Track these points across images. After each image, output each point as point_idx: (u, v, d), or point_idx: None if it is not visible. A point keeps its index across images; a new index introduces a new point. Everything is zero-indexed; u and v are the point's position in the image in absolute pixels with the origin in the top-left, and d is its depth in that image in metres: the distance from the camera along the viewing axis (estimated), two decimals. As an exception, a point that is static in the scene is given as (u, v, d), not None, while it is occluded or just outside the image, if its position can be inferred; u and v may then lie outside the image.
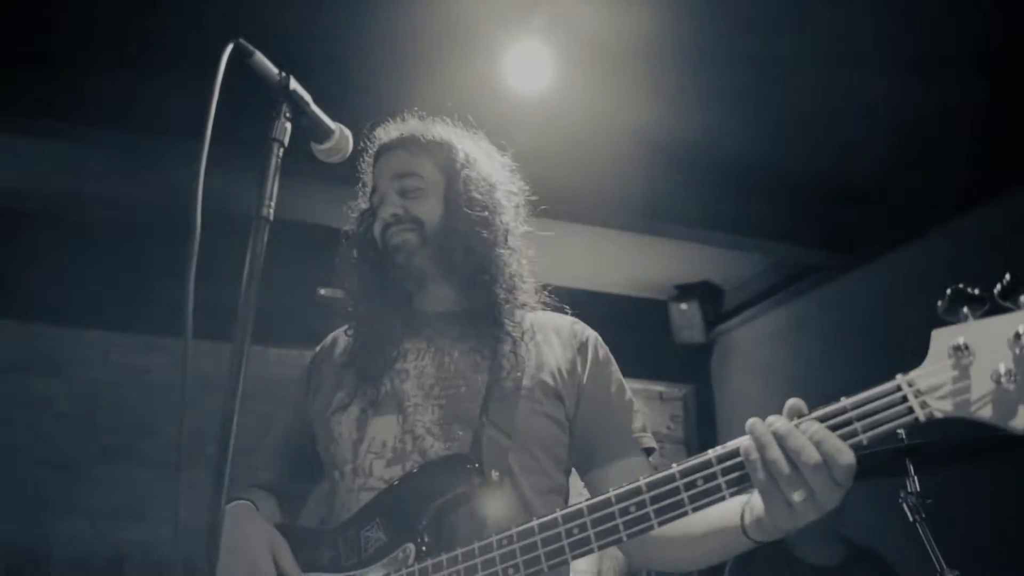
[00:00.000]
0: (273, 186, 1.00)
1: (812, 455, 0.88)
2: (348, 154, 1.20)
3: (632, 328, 5.02)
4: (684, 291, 5.20)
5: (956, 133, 3.45)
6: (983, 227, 3.44)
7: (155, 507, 3.96)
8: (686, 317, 5.19)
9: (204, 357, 4.71)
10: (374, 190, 1.45)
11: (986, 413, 0.82)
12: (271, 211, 0.99)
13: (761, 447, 0.91)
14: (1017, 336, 0.80)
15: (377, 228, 1.41)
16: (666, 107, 3.43)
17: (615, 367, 1.40)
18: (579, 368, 1.36)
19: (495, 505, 1.22)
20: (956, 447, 2.17)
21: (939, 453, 2.15)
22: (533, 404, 1.29)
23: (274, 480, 1.47)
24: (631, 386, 1.39)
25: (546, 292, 1.47)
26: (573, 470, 1.38)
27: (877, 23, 2.88)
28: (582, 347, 1.39)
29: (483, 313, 1.35)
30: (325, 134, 1.16)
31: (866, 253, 4.11)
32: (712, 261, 4.85)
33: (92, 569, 3.80)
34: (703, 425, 5.29)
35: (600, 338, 1.43)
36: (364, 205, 1.50)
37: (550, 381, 1.32)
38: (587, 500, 1.04)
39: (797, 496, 0.90)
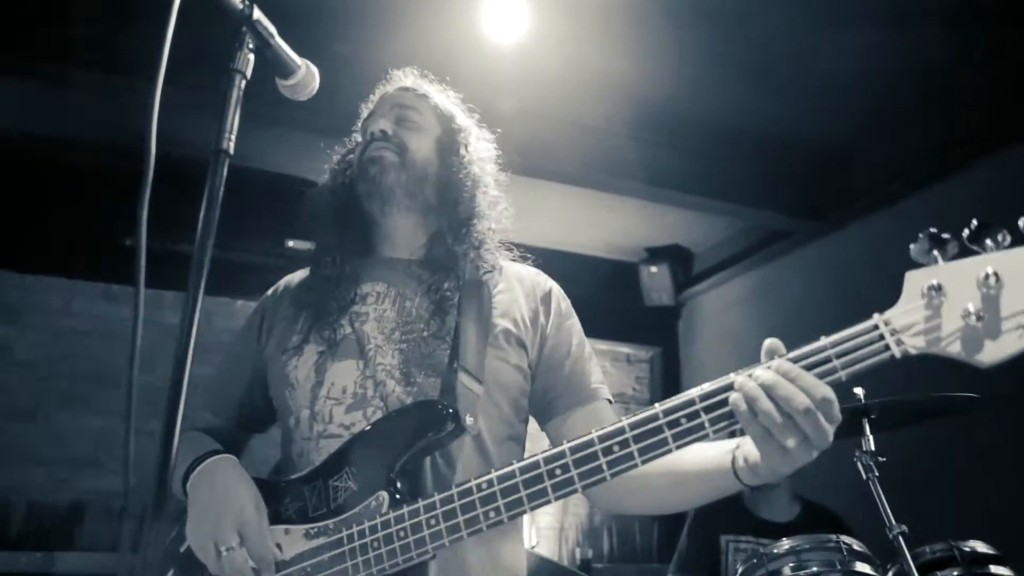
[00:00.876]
0: (234, 119, 0.96)
1: (802, 401, 0.91)
2: (314, 90, 1.16)
3: (602, 289, 5.06)
4: (655, 254, 5.23)
5: (927, 102, 3.48)
6: (951, 196, 3.50)
7: (115, 456, 3.94)
8: (656, 280, 5.23)
9: (169, 308, 4.64)
10: (370, 115, 1.44)
11: (955, 349, 0.87)
12: (231, 144, 0.96)
13: (751, 400, 0.93)
14: (985, 277, 0.85)
15: (361, 143, 1.40)
16: (642, 65, 3.40)
17: (576, 320, 1.42)
18: (542, 318, 1.36)
19: (461, 448, 1.22)
20: (909, 408, 2.24)
21: (894, 414, 2.22)
22: (497, 351, 1.29)
23: (220, 426, 1.43)
24: (599, 347, 1.41)
25: (516, 248, 1.47)
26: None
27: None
28: (545, 297, 1.39)
29: (448, 260, 1.34)
30: (290, 69, 1.12)
31: (835, 220, 4.16)
32: (683, 224, 4.88)
33: (52, 518, 3.78)
34: (668, 387, 5.37)
35: (562, 291, 1.44)
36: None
37: (513, 328, 1.32)
38: (569, 442, 1.04)
39: (792, 442, 0.92)
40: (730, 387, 0.96)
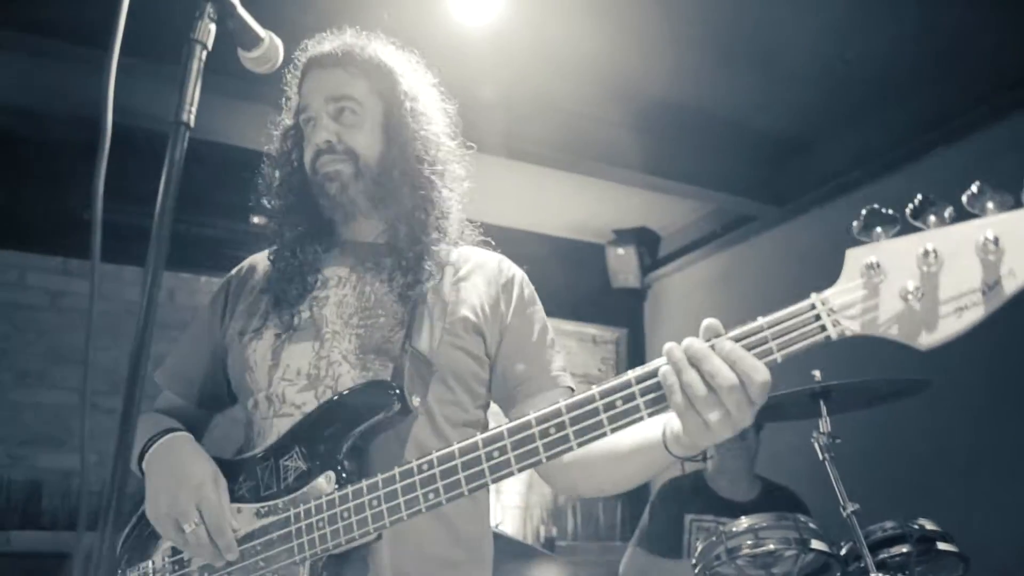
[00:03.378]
0: (195, 90, 0.94)
1: (728, 377, 0.90)
2: (278, 64, 1.14)
3: (570, 270, 5.08)
4: (622, 236, 5.26)
5: (887, 90, 3.54)
6: (911, 184, 3.57)
7: (73, 433, 3.87)
8: (623, 261, 5.26)
9: (130, 283, 4.54)
10: (303, 108, 1.37)
11: (893, 331, 0.83)
12: (192, 116, 0.94)
13: (678, 371, 0.93)
14: (925, 253, 0.81)
15: (308, 154, 1.35)
16: (611, 47, 3.39)
17: (539, 307, 1.41)
18: (502, 306, 1.36)
19: (415, 432, 1.23)
20: (864, 390, 2.31)
21: (849, 396, 2.28)
22: (453, 338, 1.29)
23: (181, 405, 1.44)
24: (565, 327, 1.42)
25: (480, 229, 1.46)
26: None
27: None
28: (507, 284, 1.38)
29: (410, 246, 1.33)
30: (253, 41, 1.09)
31: (797, 205, 4.23)
32: (650, 207, 4.91)
33: (9, 496, 3.70)
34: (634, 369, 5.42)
35: (526, 277, 1.43)
36: (288, 121, 1.43)
37: (471, 316, 1.32)
38: (508, 423, 1.04)
39: (713, 416, 0.91)
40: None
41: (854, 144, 3.86)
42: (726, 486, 3.01)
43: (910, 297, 0.81)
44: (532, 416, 1.02)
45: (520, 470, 1.02)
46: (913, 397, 2.27)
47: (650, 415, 0.96)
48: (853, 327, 0.86)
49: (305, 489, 1.16)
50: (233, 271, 1.50)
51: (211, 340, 1.42)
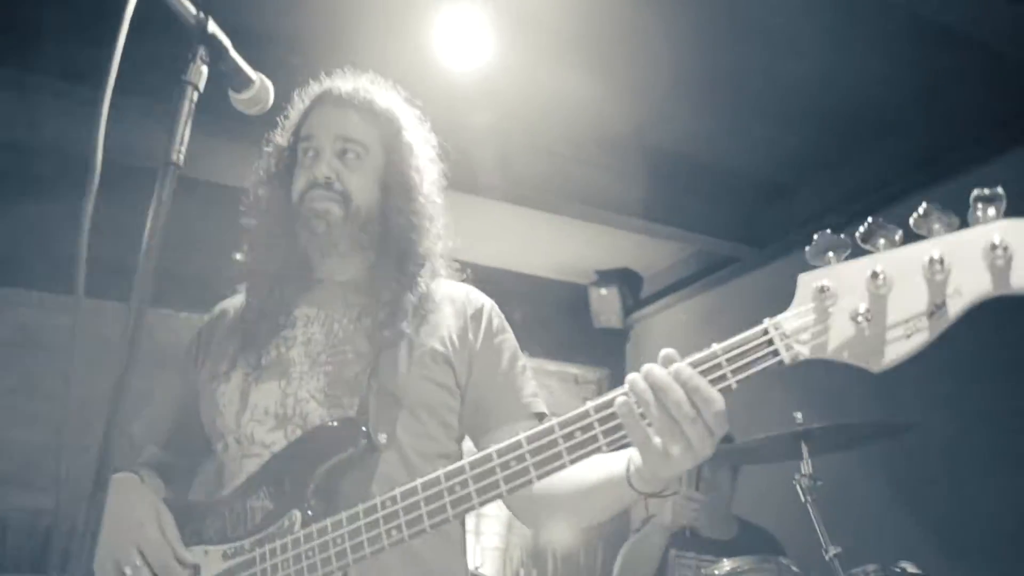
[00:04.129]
0: (185, 131, 0.95)
1: (690, 410, 0.88)
2: (268, 106, 1.16)
3: (552, 310, 5.09)
4: (604, 276, 5.29)
5: (863, 135, 3.63)
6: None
7: (42, 472, 3.76)
8: (605, 302, 5.28)
9: (107, 320, 4.48)
10: (306, 137, 1.38)
11: (845, 355, 0.84)
12: (181, 157, 0.94)
13: (644, 403, 0.91)
14: (873, 275, 0.81)
15: (301, 182, 1.36)
16: (596, 91, 3.45)
17: (510, 335, 1.40)
18: (471, 335, 1.35)
19: (383, 468, 1.21)
20: (846, 432, 2.32)
21: (831, 438, 2.29)
22: (422, 370, 1.28)
23: (159, 455, 1.42)
24: (547, 367, 1.41)
25: (461, 268, 1.47)
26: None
27: (805, 18, 2.97)
28: (476, 314, 1.38)
29: (383, 285, 1.34)
30: (244, 83, 1.11)
31: (779, 247, 4.28)
32: (633, 248, 4.95)
33: (-27, 537, 3.58)
34: (615, 408, 5.40)
35: (496, 306, 1.43)
36: (283, 142, 1.44)
37: (440, 347, 1.31)
38: (470, 457, 1.04)
39: (676, 449, 0.90)
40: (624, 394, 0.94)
41: (835, 187, 3.93)
42: (706, 526, 3.02)
43: (860, 319, 0.82)
44: (493, 449, 1.02)
45: (481, 503, 1.01)
46: (895, 439, 2.27)
47: (608, 445, 0.95)
48: (804, 351, 0.86)
49: (271, 529, 1.14)
50: (206, 317, 1.50)
51: (185, 386, 1.42)
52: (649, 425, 0.91)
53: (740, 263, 4.58)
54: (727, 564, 2.17)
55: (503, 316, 1.42)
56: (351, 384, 1.25)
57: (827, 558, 2.05)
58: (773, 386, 2.96)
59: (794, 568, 2.14)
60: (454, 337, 1.34)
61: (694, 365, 0.91)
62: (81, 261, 0.83)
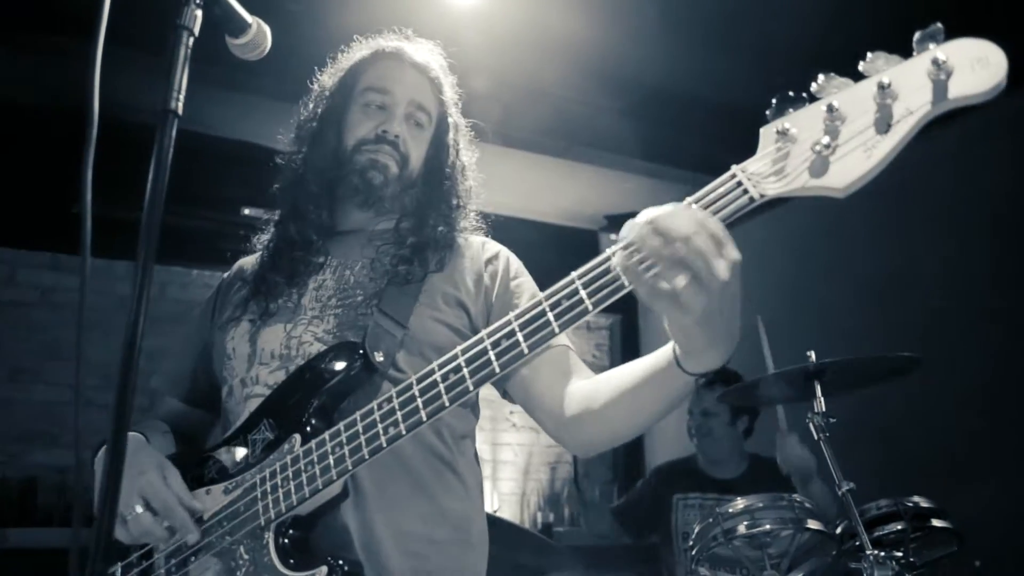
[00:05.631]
0: (182, 77, 0.93)
1: (680, 227, 0.86)
2: (266, 50, 1.13)
3: (562, 257, 5.06)
4: (614, 221, 5.26)
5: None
6: (902, 166, 3.58)
7: (67, 430, 3.85)
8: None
9: (122, 278, 4.52)
10: (382, 90, 1.40)
11: (807, 181, 0.88)
12: (180, 104, 0.93)
13: (640, 238, 0.89)
14: (829, 108, 0.85)
15: (363, 129, 1.37)
16: (601, 30, 3.38)
17: (527, 278, 1.39)
18: (486, 280, 1.35)
19: (382, 387, 1.20)
20: (857, 369, 2.32)
21: (843, 376, 2.29)
22: (432, 311, 1.29)
23: (179, 411, 1.45)
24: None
25: (480, 219, 1.48)
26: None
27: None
28: (490, 260, 1.38)
29: (409, 234, 1.36)
30: (240, 27, 1.08)
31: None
32: (642, 192, 4.90)
33: (3, 493, 3.69)
34: (628, 354, 5.44)
35: (512, 254, 1.43)
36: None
37: (452, 290, 1.32)
38: (462, 345, 1.04)
39: (680, 280, 0.85)
40: (607, 259, 0.95)
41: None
42: (712, 466, 3.07)
43: (819, 147, 0.86)
44: (484, 332, 1.02)
45: (475, 385, 1.01)
46: (906, 377, 2.28)
47: (593, 305, 0.95)
48: (772, 182, 0.91)
49: (272, 455, 1.14)
50: (225, 274, 1.51)
51: (201, 339, 1.44)
52: (649, 271, 0.88)
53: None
54: (740, 503, 2.20)
55: (520, 261, 1.42)
56: (357, 324, 1.26)
57: (840, 493, 2.07)
58: (786, 326, 2.96)
59: (808, 505, 2.17)
60: (469, 283, 1.34)
61: None
62: (86, 219, 0.82)
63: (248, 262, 1.49)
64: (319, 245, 1.37)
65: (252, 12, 1.10)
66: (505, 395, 1.32)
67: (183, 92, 0.93)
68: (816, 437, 2.17)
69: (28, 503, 3.69)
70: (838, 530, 2.22)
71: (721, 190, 0.93)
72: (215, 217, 3.99)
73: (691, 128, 4.09)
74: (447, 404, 1.03)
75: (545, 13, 3.26)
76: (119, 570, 1.22)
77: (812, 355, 2.21)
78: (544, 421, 1.24)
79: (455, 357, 1.03)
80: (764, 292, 4.04)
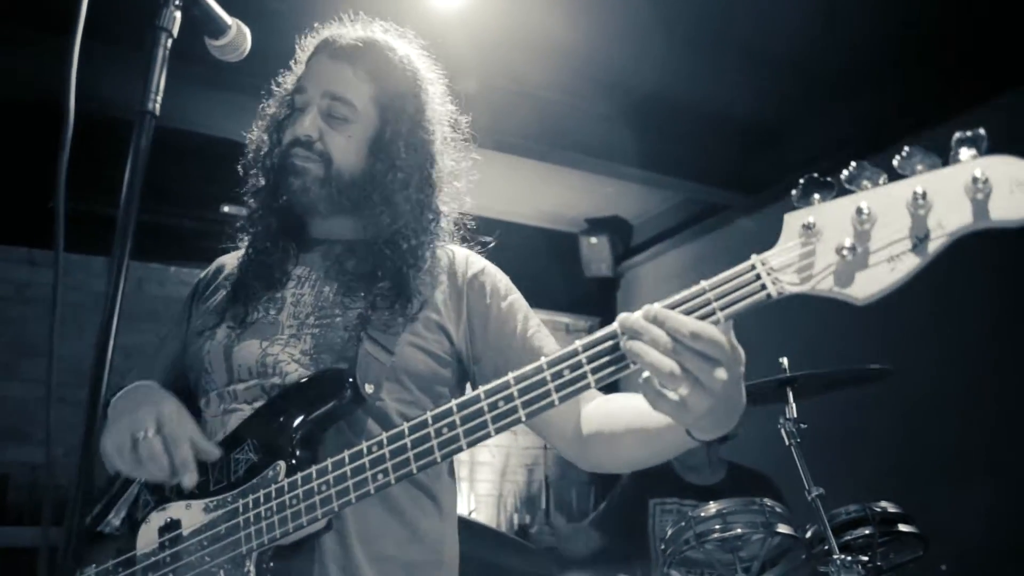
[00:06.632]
0: (160, 78, 0.94)
1: (668, 341, 0.87)
2: (246, 51, 1.13)
3: (542, 259, 5.10)
4: (595, 225, 5.29)
5: (855, 78, 3.59)
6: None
7: (39, 426, 3.80)
8: (595, 251, 5.29)
9: (98, 275, 4.47)
10: (299, 89, 1.32)
11: (827, 284, 0.85)
12: (157, 105, 0.93)
13: (630, 353, 0.90)
14: (858, 211, 0.82)
15: (287, 136, 1.31)
16: (583, 35, 3.40)
17: (518, 295, 1.37)
18: (472, 299, 1.32)
19: (370, 427, 1.20)
20: (829, 378, 2.36)
21: (814, 383, 2.33)
22: (413, 336, 1.25)
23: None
24: (538, 317, 1.37)
25: (462, 223, 1.43)
26: None
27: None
28: (472, 279, 1.34)
29: (379, 249, 1.29)
30: (220, 29, 1.09)
31: (769, 194, 4.28)
32: (622, 196, 4.94)
33: (-27, 490, 3.63)
34: (606, 355, 5.46)
35: (498, 269, 1.39)
36: (288, 89, 1.38)
37: (433, 315, 1.28)
38: (457, 399, 1.02)
39: (684, 389, 0.87)
40: (612, 335, 0.93)
41: (825, 133, 3.91)
42: (688, 472, 3.09)
43: (845, 253, 0.83)
44: (481, 391, 1.00)
45: (469, 445, 1.00)
46: (876, 384, 2.32)
47: (596, 382, 0.94)
48: (792, 281, 0.87)
49: (255, 480, 1.13)
50: (202, 273, 1.48)
51: (179, 341, 1.41)
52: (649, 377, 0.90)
53: (729, 210, 4.58)
54: (713, 507, 2.23)
55: (507, 277, 1.39)
56: (336, 348, 1.23)
57: (810, 499, 2.10)
58: (759, 333, 2.99)
59: (779, 510, 2.20)
60: (450, 304, 1.31)
61: (683, 301, 0.92)
62: (60, 215, 0.82)
63: (227, 260, 1.45)
64: (294, 252, 1.34)
65: (236, 10, 1.10)
66: None
67: (160, 93, 0.93)
68: (787, 443, 2.20)
69: (-3, 501, 3.64)
70: (808, 534, 2.25)
71: (738, 280, 0.90)
72: (194, 214, 3.96)
73: (674, 133, 4.13)
74: (439, 460, 1.02)
75: (528, 14, 3.27)
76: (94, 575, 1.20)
77: (784, 362, 2.24)
78: (555, 440, 1.26)
79: (450, 412, 1.01)
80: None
